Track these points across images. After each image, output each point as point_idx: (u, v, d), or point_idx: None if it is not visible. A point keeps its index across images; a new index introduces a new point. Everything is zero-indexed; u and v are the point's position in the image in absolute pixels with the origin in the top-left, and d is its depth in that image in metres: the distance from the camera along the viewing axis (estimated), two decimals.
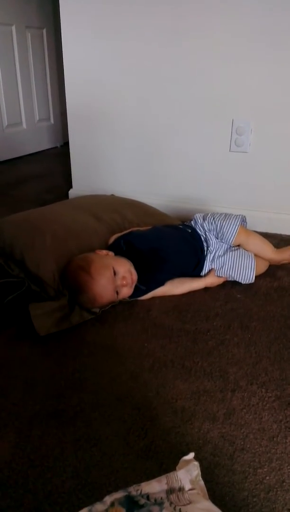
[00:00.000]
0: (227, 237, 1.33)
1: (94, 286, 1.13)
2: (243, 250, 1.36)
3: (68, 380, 0.95)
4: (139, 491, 0.56)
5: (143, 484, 0.57)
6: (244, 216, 1.43)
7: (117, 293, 1.17)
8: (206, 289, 1.33)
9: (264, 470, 0.75)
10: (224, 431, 0.82)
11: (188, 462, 0.61)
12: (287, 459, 0.76)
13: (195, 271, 1.35)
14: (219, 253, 1.35)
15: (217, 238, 1.36)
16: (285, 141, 1.68)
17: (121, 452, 0.78)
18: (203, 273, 1.36)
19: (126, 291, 1.19)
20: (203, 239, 1.36)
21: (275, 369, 0.99)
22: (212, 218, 1.36)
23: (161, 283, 1.29)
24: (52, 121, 3.43)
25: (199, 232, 1.38)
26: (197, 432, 0.82)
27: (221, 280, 1.35)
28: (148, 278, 1.25)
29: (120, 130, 1.92)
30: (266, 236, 1.74)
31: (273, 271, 1.44)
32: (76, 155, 2.07)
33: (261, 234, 1.75)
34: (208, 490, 0.64)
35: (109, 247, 1.33)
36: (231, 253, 1.35)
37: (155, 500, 0.55)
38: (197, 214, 1.42)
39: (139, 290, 1.25)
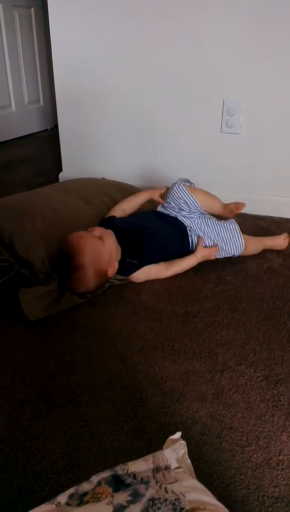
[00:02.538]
0: (183, 201, 1.34)
1: (74, 246, 1.14)
2: (224, 222, 1.37)
3: (58, 363, 0.95)
4: (125, 470, 0.57)
5: (129, 463, 0.58)
6: (185, 178, 1.41)
7: (101, 239, 1.19)
8: (196, 271, 1.33)
9: (252, 448, 0.76)
10: (213, 411, 0.83)
11: (175, 441, 0.62)
12: (274, 438, 0.78)
13: (184, 249, 1.35)
14: (202, 228, 1.36)
15: (184, 211, 1.38)
16: (276, 122, 1.67)
17: (110, 432, 0.78)
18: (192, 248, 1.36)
19: (109, 240, 1.21)
20: (179, 219, 1.38)
21: (264, 349, 1.00)
22: (166, 202, 1.40)
23: (153, 257, 1.29)
24: (42, 103, 3.37)
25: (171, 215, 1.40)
26: (186, 412, 0.83)
27: (212, 251, 1.34)
28: (138, 252, 1.26)
29: (110, 112, 1.90)
30: (257, 218, 1.75)
31: (263, 253, 1.44)
32: (66, 137, 2.04)
33: (252, 217, 1.76)
34: (196, 468, 0.65)
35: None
36: (214, 226, 1.35)
37: (142, 479, 0.56)
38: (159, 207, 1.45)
39: (131, 265, 1.25)
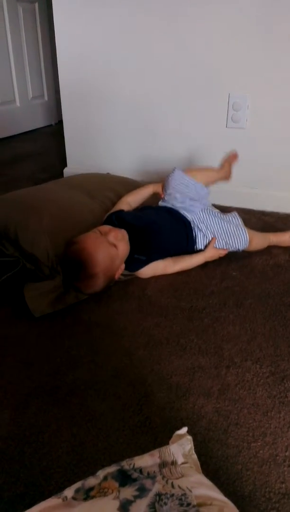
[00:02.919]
0: (182, 183, 1.35)
1: (83, 250, 1.10)
2: (228, 215, 1.38)
3: (64, 358, 0.95)
4: (132, 465, 0.56)
5: (136, 458, 0.57)
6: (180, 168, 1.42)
7: (115, 246, 1.15)
8: (202, 267, 1.32)
9: (258, 444, 0.75)
10: (219, 406, 0.83)
11: (181, 436, 0.62)
12: (281, 434, 0.77)
13: (188, 246, 1.34)
14: (208, 223, 1.35)
15: (186, 199, 1.36)
16: (282, 117, 1.65)
17: (116, 427, 0.78)
18: (197, 246, 1.35)
19: (123, 246, 1.18)
20: (182, 214, 1.37)
21: (270, 345, 0.99)
22: (167, 194, 1.39)
23: (160, 253, 1.28)
24: (46, 98, 3.37)
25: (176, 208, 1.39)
26: (192, 407, 0.83)
27: (221, 252, 1.33)
28: (146, 248, 1.25)
29: (115, 107, 1.89)
30: (263, 214, 1.74)
31: (269, 249, 1.43)
32: (70, 133, 2.04)
33: (258, 212, 1.75)
34: (202, 464, 0.65)
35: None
36: (218, 220, 1.35)
37: (148, 473, 0.56)
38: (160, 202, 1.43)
39: (139, 261, 1.24)
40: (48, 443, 0.75)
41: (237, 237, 1.33)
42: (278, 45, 1.56)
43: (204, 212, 1.37)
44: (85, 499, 0.53)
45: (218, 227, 1.34)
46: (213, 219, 1.35)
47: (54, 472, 0.70)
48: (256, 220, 1.67)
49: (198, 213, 1.37)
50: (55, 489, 0.66)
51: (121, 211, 1.35)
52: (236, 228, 1.34)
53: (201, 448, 0.74)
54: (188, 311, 1.12)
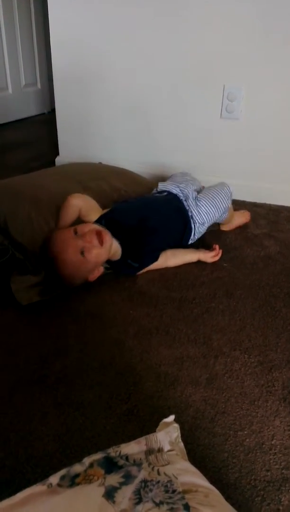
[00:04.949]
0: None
1: (52, 247, 1.07)
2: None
3: (52, 347, 0.95)
4: (118, 452, 0.56)
5: (122, 445, 0.57)
6: (185, 172, 1.52)
7: (82, 254, 1.07)
8: None
9: (245, 433, 0.76)
10: (206, 395, 0.83)
11: (168, 424, 0.62)
12: (267, 422, 0.78)
13: (183, 240, 1.33)
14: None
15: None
16: (277, 109, 1.65)
17: (104, 416, 0.78)
18: (191, 241, 1.34)
19: (95, 253, 1.09)
20: (184, 203, 1.35)
21: (259, 335, 0.99)
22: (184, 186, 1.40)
23: (155, 258, 1.25)
24: (39, 86, 3.32)
25: (180, 196, 1.37)
26: (180, 396, 0.83)
27: (214, 257, 1.30)
28: (138, 253, 1.21)
29: (108, 96, 1.87)
30: (255, 205, 1.74)
31: (260, 240, 1.43)
32: (63, 121, 2.01)
33: (250, 204, 1.75)
34: (188, 452, 0.65)
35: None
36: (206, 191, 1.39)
37: (134, 461, 0.56)
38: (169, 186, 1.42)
39: (131, 267, 1.21)
40: (35, 431, 0.75)
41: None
42: (273, 36, 1.55)
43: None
44: (71, 486, 0.53)
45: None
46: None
47: (40, 460, 0.70)
48: (248, 211, 1.67)
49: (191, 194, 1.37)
50: (41, 477, 0.65)
51: (114, 210, 1.28)
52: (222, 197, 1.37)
53: (188, 437, 0.74)
54: (178, 302, 1.12)
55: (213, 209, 1.33)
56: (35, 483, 0.54)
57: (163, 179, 1.76)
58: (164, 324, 1.03)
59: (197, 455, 0.71)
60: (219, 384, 0.86)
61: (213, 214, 1.33)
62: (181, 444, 0.61)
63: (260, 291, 1.17)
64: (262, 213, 1.68)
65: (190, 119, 1.78)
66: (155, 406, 0.80)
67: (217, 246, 1.30)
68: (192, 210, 1.32)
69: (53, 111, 2.21)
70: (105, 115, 1.91)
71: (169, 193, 1.38)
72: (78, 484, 0.53)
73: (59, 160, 2.08)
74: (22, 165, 2.19)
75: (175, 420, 0.63)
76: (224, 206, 1.35)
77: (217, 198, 1.34)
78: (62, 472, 0.54)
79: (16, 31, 2.96)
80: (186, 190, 1.37)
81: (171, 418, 0.63)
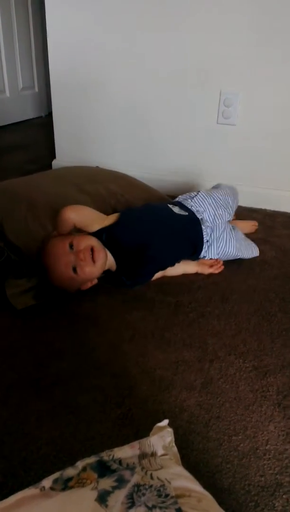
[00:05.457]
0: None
1: (45, 257, 1.06)
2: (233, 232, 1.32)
3: (47, 350, 0.95)
4: (111, 456, 0.56)
5: (115, 449, 0.57)
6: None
7: (75, 270, 1.05)
8: None
9: (239, 438, 0.76)
10: (201, 400, 0.83)
11: (162, 428, 0.62)
12: (262, 427, 0.78)
13: (193, 256, 1.28)
14: (216, 235, 1.28)
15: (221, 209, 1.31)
16: (273, 114, 1.66)
17: (98, 419, 0.78)
18: (201, 256, 1.29)
19: (88, 270, 1.06)
20: (204, 231, 1.26)
21: (254, 340, 0.99)
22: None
23: (149, 277, 1.21)
24: (36, 89, 3.33)
25: (197, 213, 1.28)
26: (174, 400, 0.83)
27: (214, 269, 1.28)
28: (132, 275, 1.17)
29: (105, 100, 1.87)
30: (251, 211, 1.74)
31: (257, 245, 1.44)
32: (60, 124, 2.02)
33: (246, 209, 1.75)
34: (182, 456, 0.65)
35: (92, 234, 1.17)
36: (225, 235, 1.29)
37: (127, 465, 0.55)
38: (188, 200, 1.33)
39: (124, 283, 1.17)
40: (29, 434, 0.75)
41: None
42: (270, 41, 1.56)
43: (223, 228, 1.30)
44: (63, 490, 0.53)
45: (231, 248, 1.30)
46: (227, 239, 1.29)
47: (33, 463, 0.70)
48: (244, 216, 1.68)
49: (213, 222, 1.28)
50: (34, 480, 0.65)
51: (116, 225, 1.19)
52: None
53: (182, 441, 0.74)
54: (174, 306, 1.12)
55: (234, 251, 1.30)
56: (28, 486, 0.54)
57: (159, 183, 1.77)
58: (160, 328, 1.03)
59: (191, 459, 0.71)
60: (214, 389, 0.86)
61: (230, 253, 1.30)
62: (175, 449, 0.61)
63: (255, 296, 1.17)
64: (258, 218, 1.68)
65: (187, 125, 1.79)
66: (150, 410, 0.80)
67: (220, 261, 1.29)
68: (211, 242, 1.28)
69: (50, 114, 2.22)
70: (101, 119, 1.92)
71: (193, 214, 1.27)
72: (71, 487, 0.53)
73: (55, 163, 2.08)
74: (18, 167, 2.19)
75: (169, 425, 0.63)
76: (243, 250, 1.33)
77: (242, 244, 1.32)
78: (55, 475, 0.54)
79: (14, 34, 2.97)
80: (220, 221, 1.29)
81: (165, 422, 0.63)
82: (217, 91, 1.69)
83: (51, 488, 0.53)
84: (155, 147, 1.88)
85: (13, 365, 0.90)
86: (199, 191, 1.36)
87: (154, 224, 1.23)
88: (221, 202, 1.33)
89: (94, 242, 1.10)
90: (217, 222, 1.29)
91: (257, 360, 0.93)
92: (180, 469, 0.57)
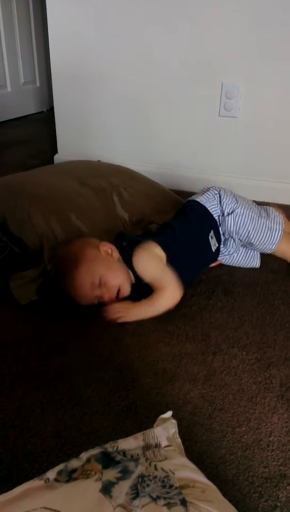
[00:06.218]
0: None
1: (71, 288, 1.02)
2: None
3: (51, 343, 0.95)
4: (115, 448, 0.56)
5: (119, 441, 0.57)
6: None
7: (98, 300, 1.03)
8: None
9: (242, 429, 0.76)
10: (204, 392, 0.83)
11: (165, 420, 0.62)
12: (265, 419, 0.78)
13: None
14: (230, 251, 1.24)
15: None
16: (275, 106, 1.65)
17: (102, 412, 0.78)
18: None
19: (111, 306, 1.03)
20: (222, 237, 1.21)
21: (257, 332, 0.99)
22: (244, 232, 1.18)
23: None
24: (38, 84, 3.32)
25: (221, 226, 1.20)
26: (178, 392, 0.83)
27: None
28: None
29: (107, 94, 1.86)
30: None
31: None
32: (62, 118, 2.01)
33: None
34: (186, 448, 0.65)
35: (116, 240, 1.13)
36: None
37: (131, 456, 0.56)
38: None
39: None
40: (33, 427, 0.75)
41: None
42: (272, 33, 1.54)
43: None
44: (68, 481, 0.53)
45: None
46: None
47: (38, 455, 0.70)
48: None
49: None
50: (39, 473, 0.65)
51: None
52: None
53: (185, 433, 0.74)
54: None
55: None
56: (33, 478, 0.54)
57: (161, 177, 1.76)
58: (163, 321, 1.03)
59: (195, 451, 0.72)
60: (217, 381, 0.86)
61: None
62: (179, 440, 0.61)
63: (258, 289, 1.17)
64: None
65: (188, 117, 1.78)
66: (153, 402, 0.80)
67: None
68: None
69: (52, 109, 2.22)
70: (103, 113, 1.91)
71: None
72: (75, 479, 0.53)
73: (57, 158, 2.08)
74: (20, 162, 2.19)
75: (173, 416, 0.63)
76: None
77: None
78: (60, 467, 0.55)
79: (15, 28, 2.95)
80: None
81: (169, 414, 0.63)
82: (219, 83, 1.68)
83: (56, 480, 0.53)
84: (157, 141, 1.88)
85: (16, 358, 0.90)
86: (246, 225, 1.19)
87: (178, 253, 1.12)
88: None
89: (124, 279, 1.04)
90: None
91: (260, 352, 0.93)
92: (184, 460, 0.57)
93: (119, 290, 1.03)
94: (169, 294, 1.04)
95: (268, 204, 1.74)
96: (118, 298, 1.04)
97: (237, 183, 1.79)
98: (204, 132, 1.79)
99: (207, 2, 1.57)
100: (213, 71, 1.67)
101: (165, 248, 1.08)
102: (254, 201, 1.75)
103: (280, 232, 1.18)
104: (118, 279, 1.03)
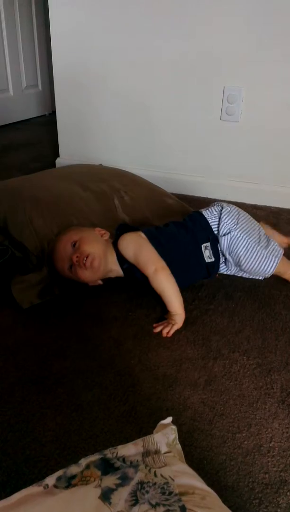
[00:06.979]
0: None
1: (51, 250, 1.11)
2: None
3: (51, 347, 0.95)
4: (115, 454, 0.56)
5: (119, 447, 0.57)
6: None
7: (71, 269, 1.05)
8: None
9: (243, 435, 0.76)
10: (205, 397, 0.83)
11: (165, 426, 0.61)
12: (266, 425, 0.77)
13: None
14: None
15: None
16: (276, 111, 1.65)
17: (102, 417, 0.78)
18: None
19: (80, 273, 1.04)
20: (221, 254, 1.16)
21: (258, 337, 0.99)
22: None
23: None
24: (40, 88, 3.32)
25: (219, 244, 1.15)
26: (178, 398, 0.82)
27: None
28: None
29: (109, 98, 1.87)
30: (255, 208, 1.74)
31: None
32: (63, 122, 2.01)
33: (250, 206, 1.74)
34: (186, 454, 0.65)
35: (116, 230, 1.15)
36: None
37: (131, 462, 0.55)
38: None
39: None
40: (32, 432, 0.75)
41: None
42: (274, 38, 1.55)
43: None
44: (67, 487, 0.53)
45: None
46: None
47: (37, 461, 0.70)
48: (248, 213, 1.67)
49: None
50: (38, 478, 0.65)
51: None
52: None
53: (186, 438, 0.74)
54: None
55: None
56: (32, 484, 0.54)
57: (163, 181, 1.77)
58: None
59: (195, 457, 0.71)
60: (218, 386, 0.85)
61: None
62: (179, 446, 0.61)
63: (259, 293, 1.17)
64: (262, 215, 1.67)
65: (190, 122, 1.78)
66: (153, 407, 0.80)
67: None
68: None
69: (54, 113, 2.23)
70: (105, 117, 1.91)
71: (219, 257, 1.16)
72: (74, 485, 0.53)
73: (59, 162, 2.08)
74: (22, 166, 2.20)
75: (173, 422, 0.63)
76: None
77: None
78: (59, 473, 0.54)
79: (18, 32, 2.96)
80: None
81: (169, 420, 0.63)
82: (221, 87, 1.68)
83: (55, 486, 0.53)
84: (158, 145, 1.88)
85: (16, 363, 0.90)
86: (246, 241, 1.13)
87: (171, 253, 1.11)
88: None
89: (98, 248, 1.06)
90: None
91: (261, 357, 0.93)
92: (184, 467, 0.57)
93: (89, 259, 1.03)
94: (161, 271, 1.05)
95: (270, 208, 1.74)
96: (86, 267, 1.03)
97: (237, 186, 1.79)
98: (205, 136, 1.79)
99: (210, 6, 1.58)
100: (215, 76, 1.67)
101: (151, 238, 1.10)
102: (254, 205, 1.76)
103: (274, 265, 1.11)
104: (91, 248, 1.04)
